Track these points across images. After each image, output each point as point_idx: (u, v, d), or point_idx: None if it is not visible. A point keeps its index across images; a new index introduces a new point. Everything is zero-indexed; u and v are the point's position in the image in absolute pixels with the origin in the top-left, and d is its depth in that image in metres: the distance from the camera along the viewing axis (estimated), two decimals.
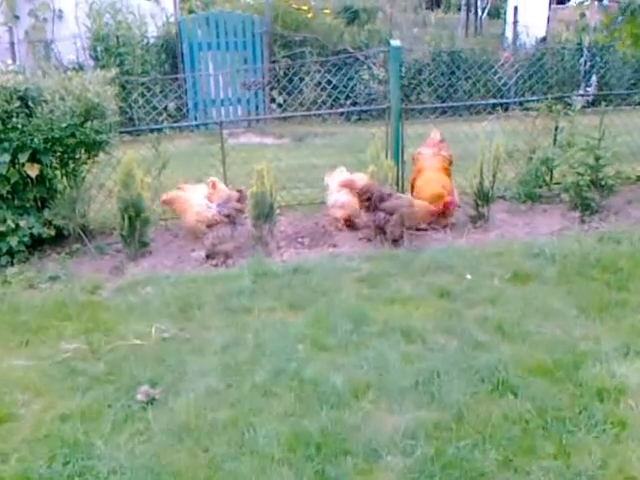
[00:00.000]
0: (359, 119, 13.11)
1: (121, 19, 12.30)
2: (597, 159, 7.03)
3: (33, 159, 6.03)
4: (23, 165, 5.98)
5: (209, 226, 6.10)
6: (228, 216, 6.16)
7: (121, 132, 7.09)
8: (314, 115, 11.84)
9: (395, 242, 6.42)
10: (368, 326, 4.79)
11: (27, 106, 5.99)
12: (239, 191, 6.38)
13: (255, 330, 4.78)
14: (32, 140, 5.88)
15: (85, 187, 6.65)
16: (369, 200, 6.45)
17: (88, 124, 6.03)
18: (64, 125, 5.91)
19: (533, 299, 5.19)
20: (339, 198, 7.04)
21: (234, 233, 6.28)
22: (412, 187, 6.94)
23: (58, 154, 6.26)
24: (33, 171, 6.01)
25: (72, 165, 6.44)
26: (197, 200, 6.25)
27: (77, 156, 6.43)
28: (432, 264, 5.89)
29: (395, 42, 7.35)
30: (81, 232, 6.34)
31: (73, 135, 6.00)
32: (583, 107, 8.32)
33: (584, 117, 7.99)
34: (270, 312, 5.08)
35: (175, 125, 7.47)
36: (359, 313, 4.95)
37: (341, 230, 7.04)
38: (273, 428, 3.62)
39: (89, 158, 6.54)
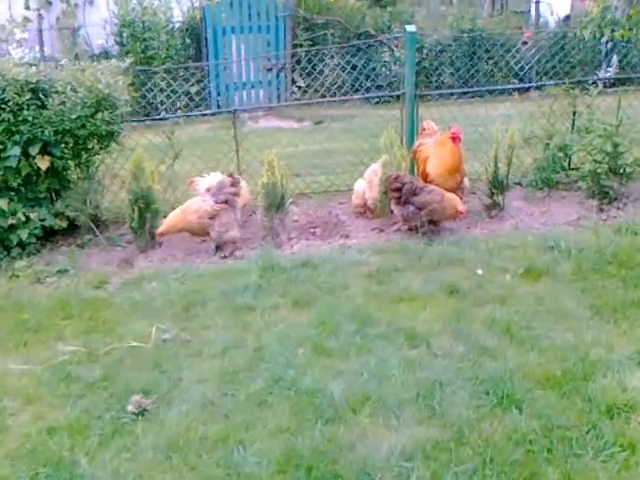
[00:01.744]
0: (379, 101, 12.59)
1: (147, 4, 11.89)
2: (615, 146, 6.50)
3: (44, 151, 5.74)
4: (34, 158, 5.68)
5: (211, 218, 5.77)
6: (226, 202, 5.83)
7: (134, 121, 6.77)
8: (333, 99, 11.31)
9: (424, 235, 6.00)
10: (372, 327, 4.43)
11: (39, 98, 5.67)
12: (231, 175, 6.05)
13: (257, 331, 4.46)
14: (42, 132, 5.59)
15: (98, 178, 6.34)
16: (399, 191, 6.01)
17: (99, 115, 5.72)
18: (74, 117, 5.61)
19: (545, 298, 4.77)
20: (356, 186, 6.71)
21: (237, 217, 5.94)
22: (424, 178, 6.47)
23: (70, 145, 5.94)
24: (44, 163, 5.72)
25: (84, 156, 6.13)
26: (192, 200, 5.92)
27: (89, 147, 6.11)
28: (443, 258, 5.49)
29: (410, 27, 6.85)
30: (92, 223, 6.05)
31: (84, 126, 5.70)
32: (604, 86, 7.77)
33: (605, 97, 7.44)
34: (274, 310, 4.75)
35: (189, 114, 7.06)
36: (364, 313, 4.60)
37: (359, 217, 6.67)
38: (264, 446, 3.30)
39: (101, 149, 6.21)
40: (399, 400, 3.62)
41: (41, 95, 5.71)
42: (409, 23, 12.57)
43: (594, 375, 3.79)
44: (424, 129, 6.87)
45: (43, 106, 5.63)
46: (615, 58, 12.83)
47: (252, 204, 6.63)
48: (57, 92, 5.62)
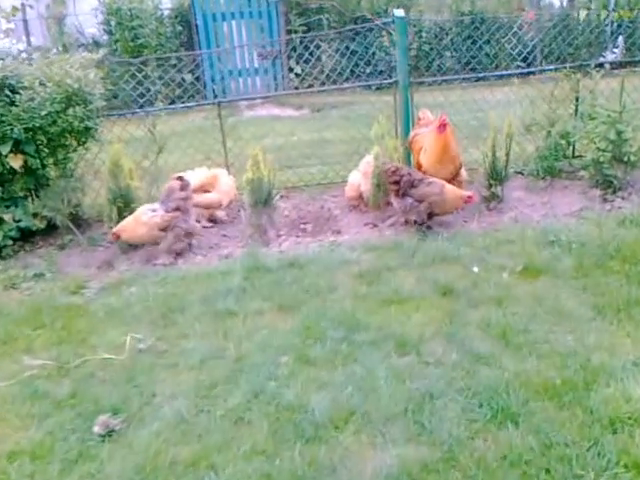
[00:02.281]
0: (380, 87, 12.27)
1: None
2: (619, 133, 6.21)
3: (17, 149, 5.50)
4: (6, 156, 5.45)
5: (163, 229, 5.48)
6: (178, 209, 5.54)
7: (113, 115, 6.53)
8: (323, 89, 11.00)
9: (421, 228, 5.78)
10: (360, 333, 4.19)
11: (6, 95, 5.43)
12: (179, 178, 5.70)
13: (238, 339, 4.23)
14: (12, 130, 5.35)
15: (78, 175, 6.10)
16: (397, 184, 5.75)
17: (70, 111, 5.45)
18: (44, 113, 5.37)
19: (544, 297, 4.52)
20: (351, 178, 6.49)
21: (190, 224, 5.67)
22: (418, 169, 6.21)
23: (44, 143, 5.70)
24: (16, 162, 5.50)
25: (61, 153, 5.90)
26: (141, 210, 5.58)
27: (66, 143, 5.86)
28: (438, 255, 5.25)
29: (399, 12, 6.55)
30: (71, 224, 5.82)
31: (55, 123, 5.46)
32: (611, 68, 7.46)
33: (610, 80, 7.13)
34: (257, 316, 4.52)
35: (170, 107, 6.80)
36: (352, 317, 4.36)
37: (352, 211, 6.43)
38: (238, 471, 3.07)
39: (79, 145, 5.97)
40: (386, 415, 3.39)
41: (8, 91, 5.46)
42: (406, 6, 12.28)
43: (596, 384, 3.54)
44: (420, 119, 6.59)
45: (12, 103, 5.39)
46: (621, 39, 12.49)
47: (238, 199, 6.42)
48: (25, 88, 5.37)
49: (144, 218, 5.45)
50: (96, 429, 3.36)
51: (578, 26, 12.49)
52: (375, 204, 6.20)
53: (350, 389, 3.61)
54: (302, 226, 6.24)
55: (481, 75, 7.65)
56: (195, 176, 6.20)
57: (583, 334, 4.06)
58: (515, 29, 12.08)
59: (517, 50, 12.22)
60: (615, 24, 12.72)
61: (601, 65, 7.04)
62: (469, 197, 5.78)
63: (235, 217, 6.60)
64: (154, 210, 5.50)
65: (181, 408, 3.55)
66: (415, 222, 5.74)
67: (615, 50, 12.62)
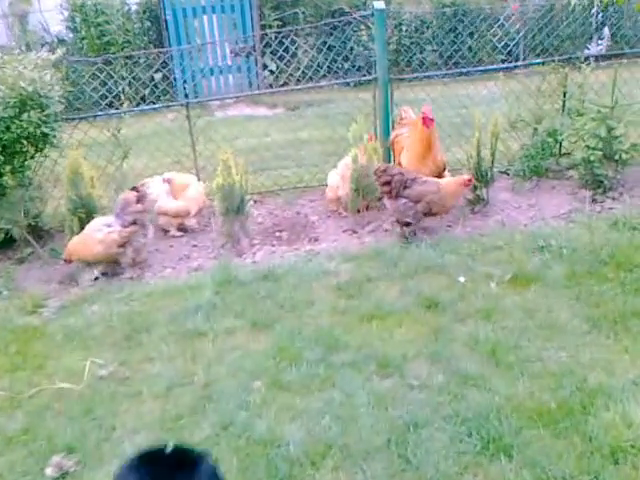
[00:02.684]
0: (358, 84, 12.02)
1: None
2: (609, 130, 6.02)
3: None
4: None
5: (121, 245, 5.19)
6: (134, 222, 5.24)
7: (78, 118, 6.24)
8: (306, 83, 10.72)
9: (414, 233, 5.58)
10: (339, 353, 3.96)
11: None
12: (134, 189, 5.41)
13: (207, 362, 3.98)
14: None
15: (36, 184, 5.81)
16: (389, 184, 5.52)
17: (25, 116, 5.16)
18: None
19: (535, 310, 4.32)
20: (330, 179, 6.27)
21: (148, 237, 5.42)
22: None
23: None
24: None
25: (18, 160, 5.59)
26: (94, 226, 5.26)
27: (22, 150, 5.56)
28: (421, 263, 5.03)
29: (379, 4, 6.31)
30: (29, 236, 5.53)
31: (9, 129, 5.15)
32: (596, 60, 7.28)
33: (597, 72, 6.94)
34: (228, 335, 4.28)
35: (133, 109, 6.52)
36: (330, 336, 4.13)
37: (330, 217, 6.20)
38: None
39: (37, 152, 5.67)
40: (367, 449, 3.16)
41: None
42: None
43: (594, 407, 3.34)
44: (401, 118, 6.36)
45: None
46: (607, 30, 12.34)
47: (209, 206, 6.18)
48: None
49: (99, 235, 5.15)
50: (49, 471, 3.11)
51: (563, 17, 12.36)
52: (354, 209, 5.97)
53: (328, 419, 3.38)
54: (277, 234, 6.00)
55: (465, 70, 7.40)
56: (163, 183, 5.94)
57: (578, 350, 3.86)
58: (501, 21, 11.89)
59: (503, 43, 12.05)
60: (600, 15, 12.59)
61: (587, 58, 6.84)
62: (468, 180, 5.60)
63: (207, 225, 6.34)
64: (109, 225, 5.19)
65: (143, 444, 3.28)
66: (407, 224, 5.52)
67: (600, 42, 12.47)
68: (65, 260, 5.18)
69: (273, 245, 5.77)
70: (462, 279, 4.79)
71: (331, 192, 6.24)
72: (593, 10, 12.65)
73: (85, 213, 5.32)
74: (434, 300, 4.48)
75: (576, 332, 4.05)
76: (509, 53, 12.23)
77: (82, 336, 4.34)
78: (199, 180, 6.43)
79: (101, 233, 5.13)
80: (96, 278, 5.19)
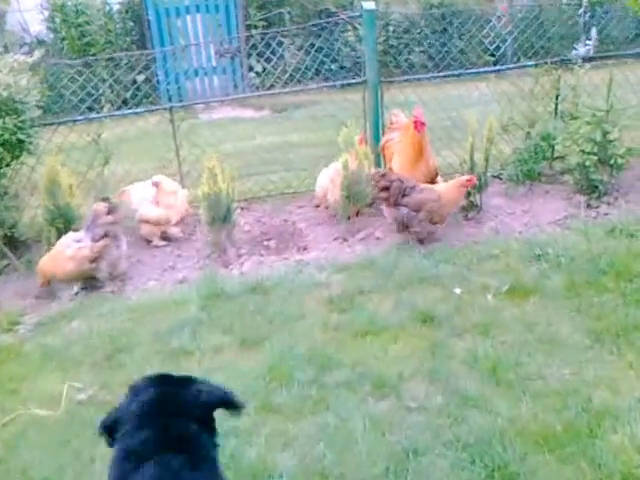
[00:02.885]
0: (346, 84, 11.83)
1: None
2: (604, 134, 5.89)
3: None
4: None
5: (94, 260, 4.97)
6: (106, 235, 5.02)
7: (57, 123, 6.03)
8: (293, 85, 10.52)
9: (421, 241, 5.42)
10: (332, 373, 3.79)
11: None
12: (105, 199, 5.20)
13: None
14: None
15: (12, 192, 5.58)
16: (387, 190, 5.35)
17: (0, 122, 4.94)
18: None
19: (535, 323, 4.17)
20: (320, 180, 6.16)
21: (122, 249, 5.19)
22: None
23: None
24: None
25: None
26: (64, 242, 5.03)
27: None
28: (415, 274, 4.87)
29: (368, 4, 6.14)
30: (5, 247, 5.31)
31: None
32: (583, 60, 7.16)
33: (590, 72, 6.82)
34: (216, 354, 4.09)
35: (117, 113, 6.31)
36: (323, 354, 3.96)
37: (319, 225, 6.04)
38: None
39: (12, 159, 5.44)
40: (365, 478, 2.99)
41: None
42: None
43: (601, 429, 3.19)
44: (392, 122, 6.20)
45: None
46: (594, 31, 12.25)
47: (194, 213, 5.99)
48: None
49: (69, 252, 4.91)
50: None
51: (550, 17, 12.28)
52: (344, 216, 5.81)
53: (322, 445, 3.21)
54: (265, 243, 5.81)
55: (457, 73, 7.24)
56: (145, 191, 5.75)
57: (581, 367, 3.72)
58: (493, 22, 11.77)
59: (495, 45, 11.93)
60: (588, 15, 12.50)
61: (583, 59, 6.71)
62: (468, 180, 5.46)
63: (192, 233, 6.15)
64: (78, 240, 4.97)
65: None
66: (417, 237, 5.39)
67: (588, 42, 12.38)
68: (41, 284, 4.94)
69: (261, 255, 5.59)
70: (458, 290, 4.63)
71: (322, 190, 6.07)
72: (580, 10, 12.57)
73: (63, 224, 5.12)
74: (430, 314, 4.32)
75: (578, 347, 3.90)
76: (495, 54, 12.12)
77: (60, 356, 4.14)
78: (183, 187, 6.25)
79: (71, 249, 4.90)
80: (76, 293, 4.98)
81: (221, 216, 5.40)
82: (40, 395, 3.75)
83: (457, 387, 3.58)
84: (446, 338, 4.07)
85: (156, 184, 5.80)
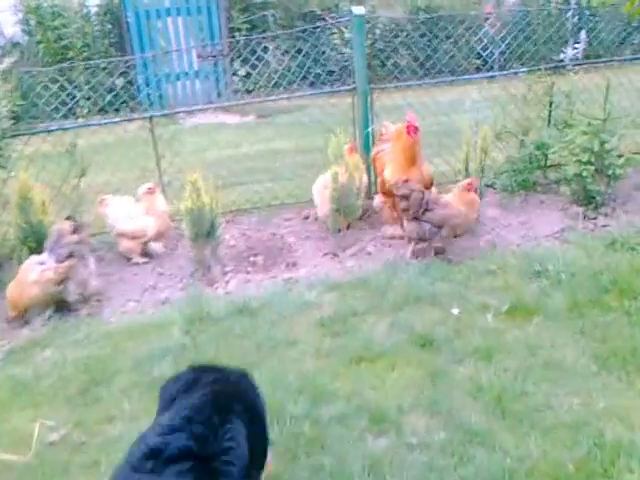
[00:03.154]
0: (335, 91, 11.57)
1: None
2: (602, 143, 5.70)
3: None
4: None
5: (59, 283, 4.69)
6: (72, 255, 4.74)
7: (29, 133, 5.75)
8: (279, 91, 10.26)
9: (438, 254, 5.24)
10: (326, 406, 3.55)
11: None
12: (69, 218, 4.94)
13: None
14: None
15: None
16: (407, 199, 5.13)
17: None
18: None
19: (539, 346, 3.97)
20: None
21: (90, 268, 4.93)
22: (382, 188, 5.63)
23: None
24: None
25: None
26: (27, 266, 4.73)
27: None
28: (410, 293, 4.65)
29: (358, 9, 5.91)
30: None
31: None
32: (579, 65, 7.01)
33: (583, 76, 6.68)
34: None
35: (93, 123, 6.02)
36: (316, 384, 3.72)
37: (309, 238, 5.81)
38: None
39: None
40: None
41: None
42: (358, 1, 11.65)
43: (616, 468, 3.00)
44: (382, 133, 5.97)
45: None
46: (583, 33, 12.12)
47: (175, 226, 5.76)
48: None
49: (32, 276, 4.62)
50: None
51: (538, 20, 12.13)
52: (335, 230, 5.58)
53: None
54: (252, 259, 5.57)
55: (448, 80, 7.04)
56: (124, 204, 5.50)
57: (590, 395, 3.52)
58: (484, 26, 11.59)
59: (482, 48, 11.75)
60: (576, 18, 12.38)
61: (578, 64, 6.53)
62: (469, 184, 5.35)
63: (174, 248, 5.90)
64: (42, 263, 4.68)
65: None
66: (437, 251, 5.21)
67: (577, 45, 12.24)
68: (13, 316, 4.66)
69: (247, 272, 5.34)
70: (456, 311, 4.43)
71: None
72: (569, 13, 12.45)
73: (36, 242, 4.83)
74: (428, 337, 4.10)
75: (585, 373, 3.70)
76: (482, 56, 11.97)
77: (31, 390, 3.86)
78: (165, 198, 6.00)
79: (34, 273, 4.61)
80: (49, 317, 4.69)
81: (205, 232, 5.16)
82: (8, 435, 3.47)
83: (461, 420, 3.36)
84: (446, 365, 3.85)
85: (151, 191, 5.57)
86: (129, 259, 5.59)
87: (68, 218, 4.89)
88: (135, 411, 3.61)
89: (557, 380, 3.65)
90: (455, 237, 5.27)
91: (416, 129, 5.37)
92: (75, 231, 4.79)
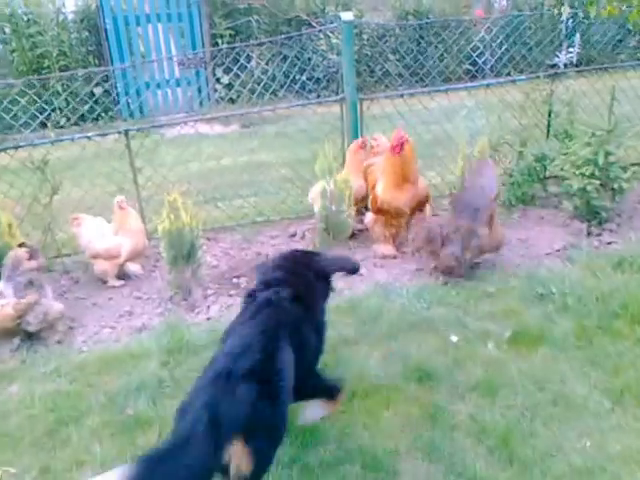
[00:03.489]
0: (317, 96, 11.36)
1: None
2: (606, 155, 5.49)
3: None
4: None
5: (21, 316, 4.39)
6: (30, 283, 4.48)
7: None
8: (263, 102, 10.02)
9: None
10: (316, 449, 3.29)
11: None
12: (21, 245, 4.66)
13: None
14: None
15: None
16: (430, 243, 4.98)
17: None
18: None
19: (545, 380, 3.72)
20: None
21: (47, 295, 4.63)
22: (374, 205, 5.38)
23: None
24: None
25: None
26: None
27: None
28: (404, 318, 4.42)
29: (347, 15, 5.69)
30: None
31: None
32: (565, 67, 6.82)
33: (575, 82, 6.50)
34: None
35: (65, 138, 5.74)
36: (304, 425, 3.44)
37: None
38: None
39: None
40: None
41: None
42: (345, 5, 11.47)
43: None
44: (372, 147, 5.73)
45: None
46: (577, 37, 11.97)
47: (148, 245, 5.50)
48: None
49: None
50: None
51: (531, 24, 11.98)
52: (323, 250, 5.32)
53: None
54: (235, 280, 5.31)
55: (443, 89, 6.82)
56: (99, 224, 5.23)
57: (604, 436, 3.28)
58: (481, 32, 11.42)
59: (474, 52, 11.58)
60: (570, 21, 12.23)
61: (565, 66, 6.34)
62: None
63: (152, 269, 5.63)
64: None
65: None
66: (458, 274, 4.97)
67: (571, 50, 12.10)
68: None
69: (230, 295, 5.08)
70: (454, 338, 4.18)
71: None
72: (563, 16, 12.28)
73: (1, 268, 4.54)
74: (425, 369, 3.84)
75: (597, 411, 3.46)
76: (476, 62, 11.81)
77: None
78: (143, 217, 5.74)
79: None
80: (17, 347, 4.41)
81: (184, 254, 4.89)
82: None
83: (464, 468, 3.10)
84: (446, 401, 3.59)
85: (120, 204, 5.31)
86: (104, 282, 5.32)
87: (21, 245, 4.62)
88: (106, 455, 3.33)
89: (568, 419, 3.41)
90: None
91: (401, 147, 5.13)
92: (32, 257, 4.52)
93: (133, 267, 5.44)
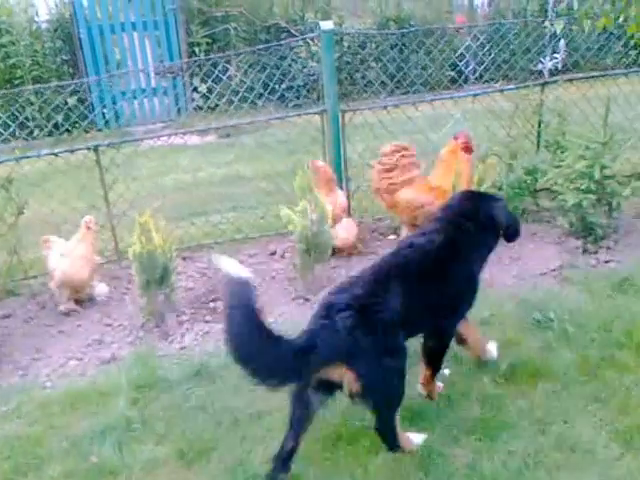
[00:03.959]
0: (297, 105, 11.02)
1: (1, 1, 10.06)
2: (602, 168, 5.20)
3: None
4: None
5: None
6: None
7: None
8: (242, 111, 9.64)
9: None
10: None
11: None
12: None
13: None
14: None
15: None
16: None
17: None
18: None
19: (548, 421, 3.40)
20: None
21: None
22: None
23: None
24: None
25: None
26: None
27: None
28: None
29: (327, 24, 5.37)
30: None
31: None
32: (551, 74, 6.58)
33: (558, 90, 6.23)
34: (148, 474, 3.22)
35: (31, 155, 5.34)
36: None
37: (278, 275, 5.27)
38: None
39: None
40: None
41: None
42: (325, 12, 11.17)
43: None
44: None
45: None
46: (562, 43, 11.73)
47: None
48: None
49: None
50: None
51: (514, 29, 11.73)
52: (304, 273, 4.99)
53: None
54: (212, 304, 4.97)
55: (429, 99, 6.51)
56: (70, 245, 4.89)
57: None
58: (467, 38, 11.16)
59: (457, 59, 11.32)
60: (554, 27, 11.98)
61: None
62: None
63: (125, 292, 5.27)
64: None
65: None
66: None
67: (556, 56, 11.85)
68: None
69: (206, 321, 4.73)
70: (447, 371, 3.84)
71: None
72: (547, 22, 12.04)
73: None
74: (415, 409, 3.51)
75: (606, 456, 3.14)
76: (460, 69, 11.56)
77: None
78: (114, 235, 5.40)
79: None
80: None
81: (157, 278, 4.54)
82: None
83: None
84: (440, 446, 3.25)
85: (89, 224, 4.96)
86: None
87: None
88: None
89: (573, 467, 3.08)
90: None
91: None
92: None
93: (101, 289, 5.09)
